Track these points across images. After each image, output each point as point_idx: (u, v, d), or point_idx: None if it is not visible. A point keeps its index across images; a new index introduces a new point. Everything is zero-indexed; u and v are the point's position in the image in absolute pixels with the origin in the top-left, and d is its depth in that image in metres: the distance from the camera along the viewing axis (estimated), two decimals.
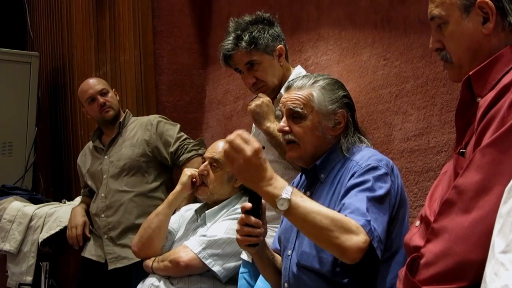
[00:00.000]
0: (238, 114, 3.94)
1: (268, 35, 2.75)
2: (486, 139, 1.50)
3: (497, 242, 1.31)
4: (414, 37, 2.73)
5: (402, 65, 2.79)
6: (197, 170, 2.98)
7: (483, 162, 1.48)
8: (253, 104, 2.71)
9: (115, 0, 4.54)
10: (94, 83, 3.84)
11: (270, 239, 2.52)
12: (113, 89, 3.91)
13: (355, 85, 3.00)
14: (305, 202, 1.89)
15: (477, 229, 1.45)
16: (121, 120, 3.80)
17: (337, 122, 2.21)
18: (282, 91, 2.59)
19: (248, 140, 1.89)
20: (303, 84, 2.24)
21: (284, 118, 2.24)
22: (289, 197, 1.87)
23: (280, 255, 2.28)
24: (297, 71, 2.85)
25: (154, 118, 3.80)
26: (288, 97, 2.24)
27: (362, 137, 2.28)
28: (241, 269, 2.75)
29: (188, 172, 2.97)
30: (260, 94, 2.75)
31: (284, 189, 1.88)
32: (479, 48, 1.67)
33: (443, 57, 1.77)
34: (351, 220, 1.90)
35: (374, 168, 2.06)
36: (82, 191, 4.06)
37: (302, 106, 2.19)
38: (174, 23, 4.30)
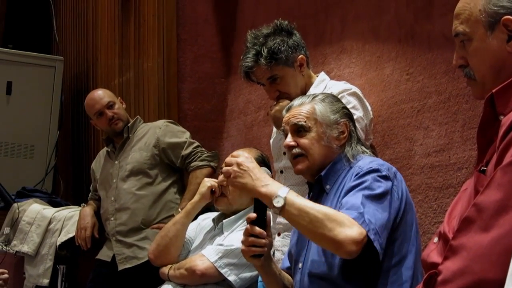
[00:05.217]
0: (259, 124, 3.94)
1: (287, 46, 2.73)
2: (508, 158, 1.48)
3: None
4: (437, 52, 2.72)
5: (425, 80, 2.78)
6: (216, 180, 2.98)
7: (504, 180, 1.46)
8: (273, 110, 2.72)
9: (140, 7, 4.57)
10: (100, 97, 3.86)
11: (287, 248, 2.51)
12: (119, 98, 3.96)
13: (377, 99, 2.99)
14: (299, 199, 1.97)
15: (496, 248, 1.43)
16: (129, 124, 3.84)
17: (341, 132, 2.25)
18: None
19: (237, 154, 2.14)
20: (302, 102, 2.31)
21: (289, 135, 2.27)
22: (285, 195, 1.95)
23: (290, 274, 2.29)
24: (321, 78, 2.85)
25: (162, 122, 3.85)
26: (290, 114, 2.29)
27: (364, 148, 2.30)
28: (260, 278, 2.73)
29: (207, 183, 2.96)
30: (280, 100, 2.74)
31: (280, 188, 1.98)
32: (502, 65, 1.66)
33: (466, 74, 1.76)
34: (343, 215, 1.94)
35: (375, 170, 2.09)
36: (90, 194, 4.12)
37: (305, 120, 2.24)
38: (198, 31, 4.31)
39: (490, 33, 1.66)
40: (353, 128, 2.29)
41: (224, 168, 2.09)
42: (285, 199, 1.94)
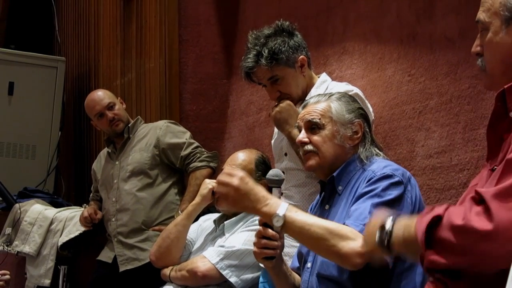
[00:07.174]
0: (260, 125, 3.94)
1: (288, 47, 2.73)
2: None
3: None
4: (439, 53, 2.72)
5: (427, 81, 2.77)
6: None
7: None
8: (274, 111, 2.72)
9: (142, 8, 4.57)
10: (100, 98, 3.85)
11: (293, 249, 2.51)
12: (119, 98, 3.95)
13: (378, 100, 2.99)
14: (299, 216, 1.94)
15: None
16: (129, 125, 3.83)
17: (355, 132, 2.24)
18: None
19: (231, 173, 2.00)
20: (319, 99, 2.30)
21: (302, 131, 2.27)
22: (284, 213, 1.92)
23: (299, 274, 2.28)
24: (323, 79, 2.85)
25: (163, 122, 3.85)
26: (306, 111, 2.29)
27: (377, 150, 2.29)
28: (261, 279, 2.73)
29: (209, 184, 2.96)
30: (281, 101, 2.74)
31: (279, 206, 1.94)
32: None
33: (478, 64, 1.74)
34: (346, 227, 1.93)
35: (389, 176, 2.07)
36: (91, 195, 4.12)
37: (320, 117, 2.23)
38: (200, 32, 4.32)
39: (505, 27, 1.64)
40: (367, 129, 2.28)
41: (219, 190, 2.03)
42: (284, 217, 1.92)
